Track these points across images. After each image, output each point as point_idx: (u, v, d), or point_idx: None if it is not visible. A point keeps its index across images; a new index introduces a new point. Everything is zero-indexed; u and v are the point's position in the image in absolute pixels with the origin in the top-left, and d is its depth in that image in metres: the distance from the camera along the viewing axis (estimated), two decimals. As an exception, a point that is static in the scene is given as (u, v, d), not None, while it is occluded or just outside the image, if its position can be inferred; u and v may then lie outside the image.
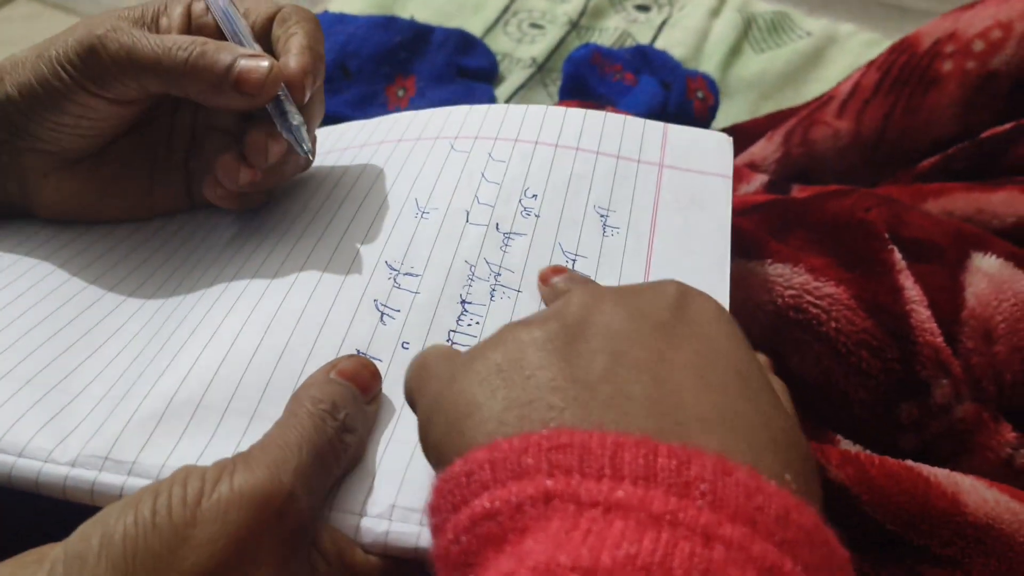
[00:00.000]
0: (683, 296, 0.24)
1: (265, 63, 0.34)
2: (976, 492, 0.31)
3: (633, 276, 0.35)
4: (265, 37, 0.37)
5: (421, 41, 0.77)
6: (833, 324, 0.36)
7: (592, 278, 0.35)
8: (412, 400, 0.27)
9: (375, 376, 0.30)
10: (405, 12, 0.82)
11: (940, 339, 0.35)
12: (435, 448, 0.23)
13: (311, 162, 0.40)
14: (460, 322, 0.33)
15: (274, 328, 0.32)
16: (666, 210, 0.37)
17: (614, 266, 0.35)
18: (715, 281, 0.35)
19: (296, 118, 0.35)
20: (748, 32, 0.80)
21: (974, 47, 0.55)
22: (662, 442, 0.18)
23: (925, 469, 0.32)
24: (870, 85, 0.58)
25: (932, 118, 0.55)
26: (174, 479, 0.24)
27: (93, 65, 0.34)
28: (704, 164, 0.40)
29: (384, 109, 0.74)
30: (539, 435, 0.19)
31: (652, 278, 0.35)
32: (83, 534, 0.23)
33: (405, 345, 0.32)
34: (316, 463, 0.26)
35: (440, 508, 0.20)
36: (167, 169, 0.40)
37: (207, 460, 0.28)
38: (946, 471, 0.32)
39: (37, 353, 0.32)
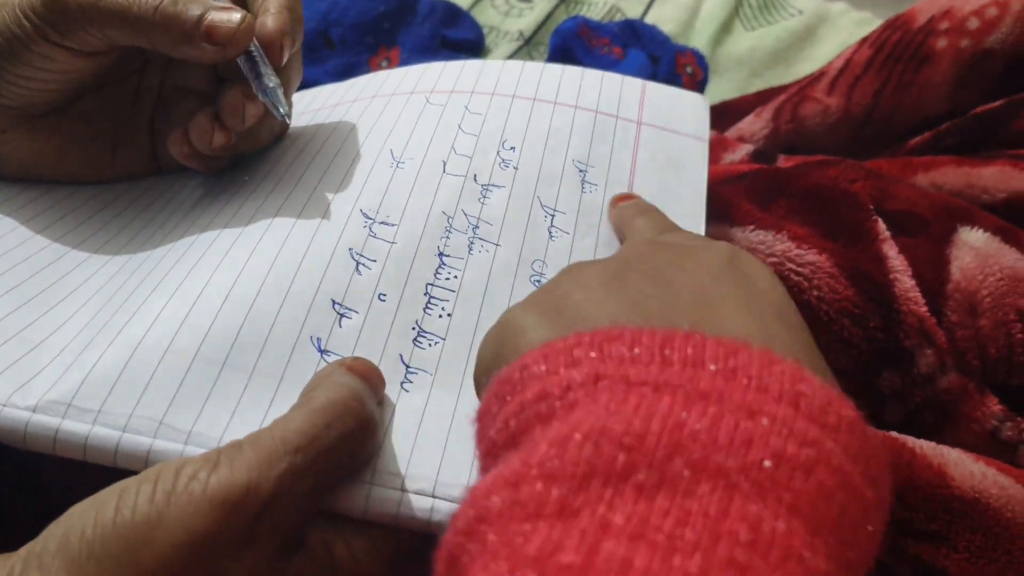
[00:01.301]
0: (733, 252, 0.27)
1: (237, 15, 0.33)
2: (962, 465, 0.30)
3: (610, 234, 0.34)
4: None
5: (406, 11, 0.75)
6: (815, 292, 0.34)
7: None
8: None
9: (382, 380, 0.29)
10: (390, -18, 0.80)
11: (924, 308, 0.34)
12: (486, 371, 0.24)
13: (287, 127, 0.39)
14: (438, 275, 0.32)
15: (244, 277, 0.31)
16: (643, 170, 0.37)
17: (592, 224, 0.34)
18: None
19: (272, 80, 0.34)
20: (739, 9, 0.79)
21: (969, 25, 0.54)
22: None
23: (910, 441, 0.31)
24: (862, 61, 0.57)
25: (924, 95, 0.54)
26: (146, 475, 0.23)
27: (56, 11, 0.32)
28: (682, 124, 0.40)
29: (366, 79, 0.72)
30: (591, 332, 0.20)
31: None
32: (46, 535, 0.22)
33: (382, 297, 0.31)
34: (316, 462, 0.24)
35: (489, 408, 0.21)
36: (132, 130, 0.39)
37: (176, 409, 0.26)
38: (932, 444, 0.31)
39: None
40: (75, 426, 0.26)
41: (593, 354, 0.19)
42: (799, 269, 0.35)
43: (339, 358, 0.29)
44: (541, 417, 0.19)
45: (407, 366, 0.29)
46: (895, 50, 0.56)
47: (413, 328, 0.30)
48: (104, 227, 0.37)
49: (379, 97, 0.41)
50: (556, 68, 0.41)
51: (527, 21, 0.78)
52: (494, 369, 0.22)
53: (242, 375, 0.28)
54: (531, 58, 0.76)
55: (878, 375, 0.34)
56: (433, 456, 0.27)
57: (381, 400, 0.28)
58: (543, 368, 0.19)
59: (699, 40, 0.75)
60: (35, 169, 0.38)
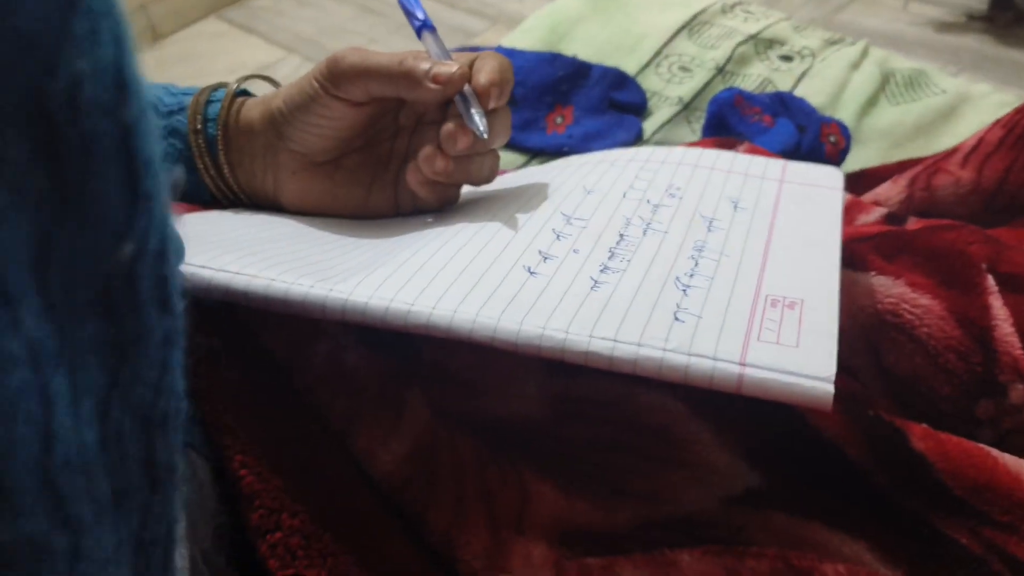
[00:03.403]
0: None
1: (454, 66, 0.45)
2: (1036, 474, 0.37)
3: (759, 233, 0.43)
4: (468, 72, 0.48)
5: (580, 76, 0.87)
6: (925, 329, 0.42)
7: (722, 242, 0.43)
8: None
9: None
10: (569, 50, 0.92)
11: (1020, 351, 0.41)
12: None
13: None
14: (619, 245, 0.42)
15: (479, 236, 0.43)
16: (786, 203, 0.46)
17: (743, 231, 0.43)
18: (829, 248, 0.42)
19: (479, 112, 0.44)
20: (885, 86, 0.85)
21: (1098, 110, 0.59)
22: None
23: (994, 451, 0.38)
24: (994, 140, 0.63)
25: (1052, 174, 0.60)
26: None
27: (334, 72, 0.45)
28: (817, 181, 0.48)
29: (543, 133, 0.84)
30: None
31: (775, 242, 0.43)
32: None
33: (576, 251, 0.41)
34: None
35: None
36: (383, 183, 0.51)
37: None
38: (1015, 458, 0.38)
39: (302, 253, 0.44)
40: (359, 298, 0.37)
41: None
42: (913, 309, 0.43)
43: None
44: None
45: (595, 281, 0.39)
46: (1026, 132, 0.62)
47: (600, 266, 0.40)
48: (367, 232, 0.49)
49: (569, 167, 0.53)
50: (711, 151, 0.52)
51: (686, 88, 0.87)
52: None
53: (468, 279, 0.39)
54: (688, 121, 0.85)
55: (975, 403, 0.41)
56: (614, 320, 0.36)
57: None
58: None
59: (845, 112, 0.83)
60: (308, 205, 0.51)
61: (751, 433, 0.40)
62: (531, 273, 0.39)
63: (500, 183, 0.54)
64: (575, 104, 0.85)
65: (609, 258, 0.41)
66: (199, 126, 0.50)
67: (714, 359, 0.34)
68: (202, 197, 0.52)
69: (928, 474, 0.37)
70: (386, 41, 1.88)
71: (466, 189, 0.51)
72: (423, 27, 0.49)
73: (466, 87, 0.45)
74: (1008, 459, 0.38)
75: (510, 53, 0.90)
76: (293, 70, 1.84)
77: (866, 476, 0.38)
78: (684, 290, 0.38)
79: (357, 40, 0.51)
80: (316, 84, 0.46)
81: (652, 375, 0.34)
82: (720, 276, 0.39)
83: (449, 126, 0.45)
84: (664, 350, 0.34)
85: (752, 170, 0.50)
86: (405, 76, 0.45)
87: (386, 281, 0.39)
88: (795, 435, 0.39)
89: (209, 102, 0.50)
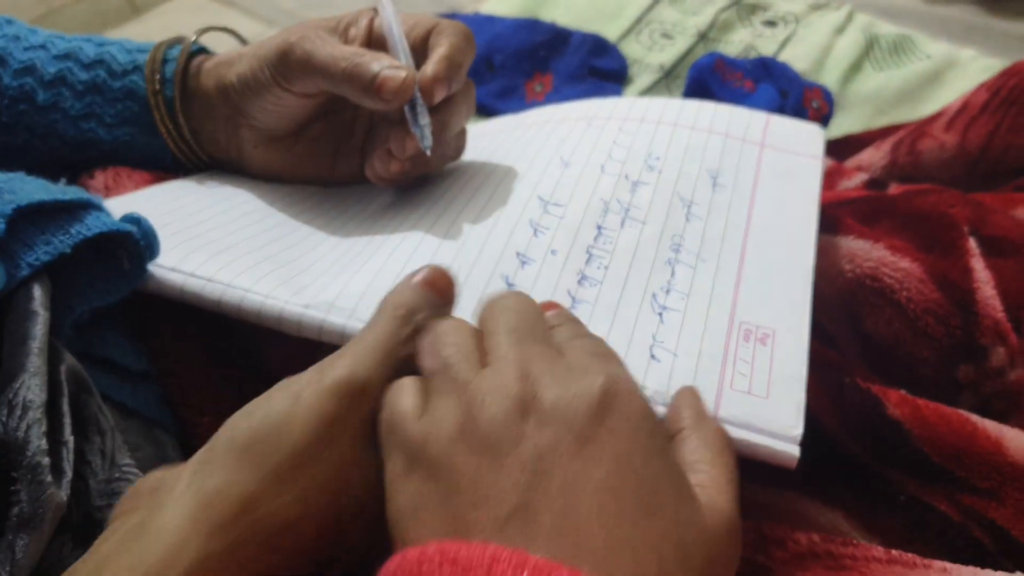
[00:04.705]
0: (607, 400, 0.26)
1: (402, 73, 0.41)
2: (1018, 439, 0.36)
3: (738, 224, 0.42)
4: (424, 46, 0.45)
5: (560, 42, 0.85)
6: (905, 293, 0.41)
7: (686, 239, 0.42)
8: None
9: (451, 283, 0.33)
10: (548, 16, 0.90)
11: (1001, 314, 0.40)
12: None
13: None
14: (596, 241, 0.41)
15: (451, 233, 0.41)
16: (765, 178, 0.44)
17: (721, 215, 0.42)
18: (804, 234, 0.41)
19: (423, 119, 0.42)
20: (870, 51, 0.84)
21: (1083, 73, 0.58)
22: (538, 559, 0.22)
23: (974, 416, 0.37)
24: (978, 104, 0.62)
25: (1035, 136, 0.59)
26: (276, 388, 0.29)
27: (283, 65, 0.43)
28: (798, 147, 0.47)
29: (522, 101, 0.82)
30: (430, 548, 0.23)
31: (753, 230, 0.42)
32: (217, 435, 0.29)
33: (553, 252, 0.40)
34: (391, 358, 0.30)
35: None
36: (347, 151, 0.49)
37: None
38: (995, 422, 0.37)
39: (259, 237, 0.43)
40: (336, 319, 0.37)
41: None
42: (892, 273, 0.42)
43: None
44: None
45: (573, 298, 0.38)
46: (1011, 94, 0.60)
47: (577, 274, 0.39)
48: (334, 207, 0.48)
49: (551, 122, 0.50)
50: (693, 103, 0.50)
51: (668, 55, 0.85)
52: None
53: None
54: (669, 89, 0.83)
55: (955, 367, 0.40)
56: None
57: (449, 302, 0.33)
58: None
59: (829, 78, 0.81)
60: (274, 175, 0.49)
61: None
62: (509, 285, 0.39)
63: (477, 137, 0.53)
64: (554, 71, 0.83)
65: (587, 262, 0.40)
66: (158, 87, 0.47)
67: None
68: (164, 161, 0.50)
69: (905, 441, 0.36)
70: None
71: None
72: None
73: (416, 89, 0.42)
74: (988, 424, 0.37)
75: (489, 20, 0.88)
76: (274, 43, 1.81)
77: (842, 445, 0.37)
78: (660, 314, 0.38)
79: (340, 8, 0.48)
80: (268, 73, 0.44)
81: None
82: (696, 292, 0.39)
83: (396, 132, 0.43)
84: None
85: (733, 129, 0.48)
86: (349, 80, 0.42)
87: (361, 300, 0.37)
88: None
89: (166, 60, 0.48)
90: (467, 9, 1.01)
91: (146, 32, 1.66)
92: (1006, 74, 0.62)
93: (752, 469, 0.37)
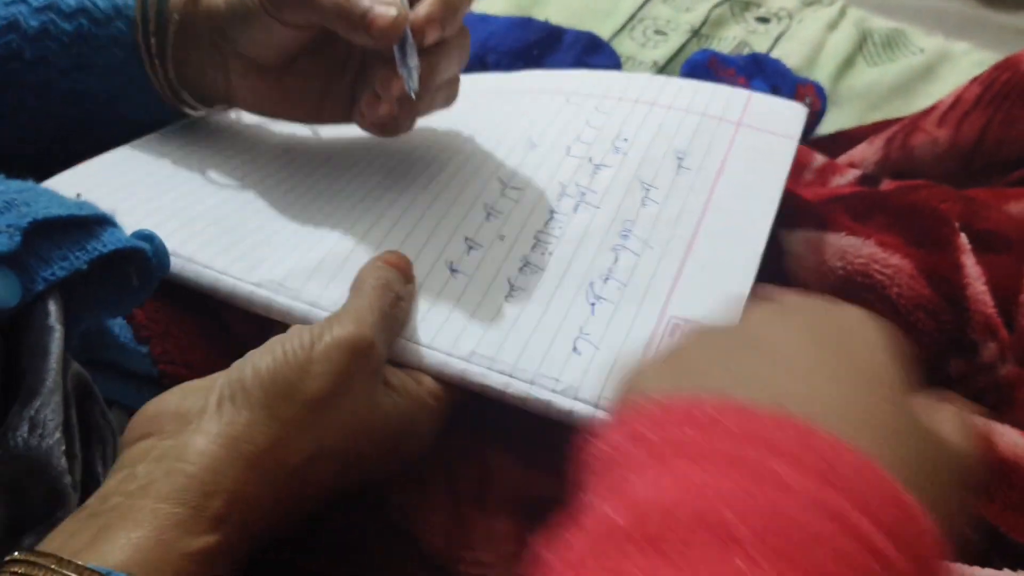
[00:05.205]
0: (852, 322, 0.28)
1: (393, 11, 0.40)
2: (1008, 436, 0.36)
3: (694, 208, 0.42)
4: None
5: (554, 40, 0.85)
6: (895, 289, 0.41)
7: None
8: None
9: (409, 264, 0.39)
10: (541, 14, 0.90)
11: (992, 309, 0.40)
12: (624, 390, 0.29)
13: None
14: (547, 226, 0.42)
15: (406, 215, 0.42)
16: (734, 159, 0.45)
17: (679, 197, 0.43)
18: (759, 216, 0.42)
19: (412, 61, 0.41)
20: (863, 46, 0.84)
21: (1075, 68, 0.58)
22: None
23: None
24: (971, 98, 0.62)
25: (1028, 130, 0.59)
26: (291, 333, 0.33)
27: None
28: (776, 126, 0.47)
29: (515, 100, 0.82)
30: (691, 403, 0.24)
31: (710, 211, 0.42)
32: (237, 368, 0.33)
33: (502, 237, 0.41)
34: (383, 321, 0.35)
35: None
36: (338, 88, 0.48)
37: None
38: (983, 418, 0.37)
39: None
40: (283, 300, 0.39)
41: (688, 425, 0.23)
42: (883, 270, 0.42)
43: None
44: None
45: (512, 285, 0.40)
46: (1003, 88, 0.60)
47: (521, 260, 0.40)
48: (300, 173, 0.49)
49: (532, 92, 0.51)
50: (677, 80, 0.50)
51: (661, 52, 0.85)
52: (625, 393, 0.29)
53: None
54: (663, 85, 0.83)
55: (947, 361, 0.40)
56: (518, 345, 0.37)
57: (411, 280, 0.39)
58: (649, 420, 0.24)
59: (821, 74, 0.81)
60: (261, 108, 0.49)
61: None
62: (452, 271, 0.40)
63: (462, 96, 0.53)
64: (548, 69, 0.83)
65: (533, 247, 0.41)
66: (152, 27, 0.46)
67: (596, 407, 0.35)
68: (161, 114, 0.49)
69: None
70: None
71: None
72: None
73: (407, 28, 0.41)
74: (978, 420, 0.37)
75: (483, 19, 0.88)
76: None
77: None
78: (593, 304, 0.39)
79: None
80: (257, 0, 0.43)
81: (540, 414, 0.36)
82: (633, 282, 0.39)
83: (382, 73, 0.42)
84: (553, 392, 0.36)
85: (712, 108, 0.48)
86: (338, 14, 0.40)
87: (307, 282, 0.40)
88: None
89: None
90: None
91: None
92: (998, 68, 0.62)
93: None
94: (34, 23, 0.46)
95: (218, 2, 0.45)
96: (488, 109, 0.51)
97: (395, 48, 0.41)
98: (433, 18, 0.40)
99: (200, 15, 0.46)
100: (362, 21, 0.40)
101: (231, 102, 0.49)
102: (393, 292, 0.37)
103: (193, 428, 0.30)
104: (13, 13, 0.46)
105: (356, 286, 0.37)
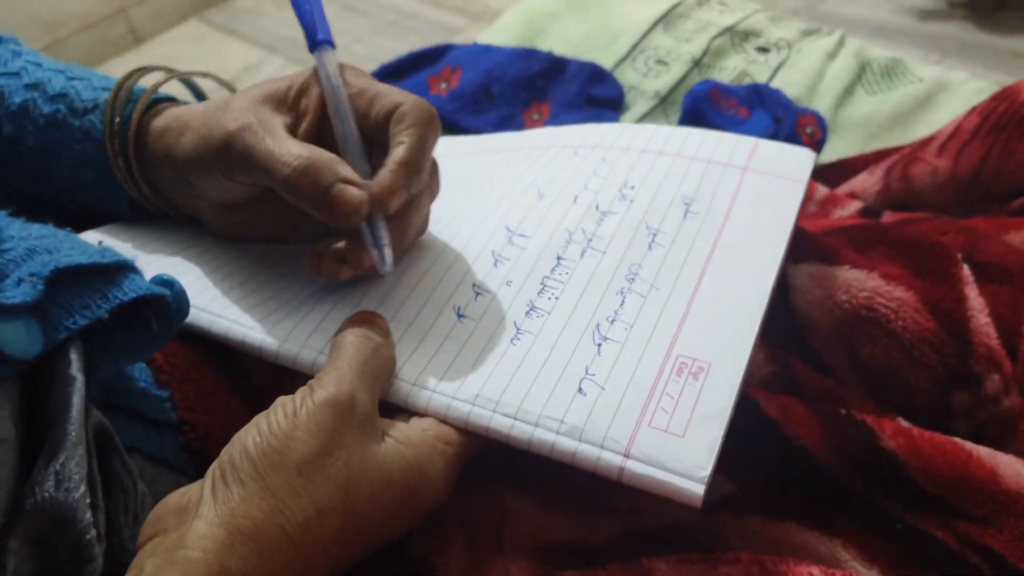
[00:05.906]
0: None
1: (358, 194, 0.37)
2: (1012, 467, 0.37)
3: (702, 250, 0.43)
4: (383, 129, 0.40)
5: (557, 71, 0.86)
6: (900, 323, 0.42)
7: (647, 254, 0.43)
8: None
9: (383, 320, 0.39)
10: (545, 45, 0.91)
11: (995, 341, 0.41)
12: None
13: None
14: (554, 272, 0.42)
15: (416, 265, 0.43)
16: (741, 203, 0.45)
17: (687, 241, 0.43)
18: (768, 257, 0.42)
19: (383, 238, 0.39)
20: (862, 75, 0.85)
21: (1073, 98, 0.59)
22: None
23: (968, 444, 0.37)
24: (970, 128, 0.63)
25: (1026, 161, 0.60)
26: (275, 406, 0.34)
27: (225, 157, 0.40)
28: (783, 170, 0.47)
29: (520, 130, 0.83)
30: None
31: (718, 253, 0.43)
32: (227, 450, 0.33)
33: (509, 283, 0.42)
34: (365, 374, 0.36)
35: None
36: (305, 219, 0.46)
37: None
38: (988, 449, 0.38)
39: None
40: (289, 347, 0.40)
41: None
42: (887, 303, 0.42)
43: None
44: None
45: (518, 329, 0.40)
46: (1001, 119, 0.61)
47: (527, 305, 0.41)
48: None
49: (538, 148, 0.52)
50: (684, 130, 0.51)
51: (663, 82, 0.87)
52: None
53: (402, 325, 0.41)
54: (665, 115, 0.84)
55: (950, 395, 0.41)
56: (522, 387, 0.38)
57: (386, 334, 0.39)
58: None
59: (821, 103, 0.82)
60: (235, 236, 0.48)
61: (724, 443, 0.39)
62: (459, 317, 0.41)
63: (474, 155, 0.54)
64: (552, 100, 0.85)
65: (539, 292, 0.42)
66: (116, 129, 0.45)
67: (601, 447, 0.35)
68: (125, 210, 0.48)
69: (900, 472, 0.37)
70: (369, 40, 1.87)
71: None
72: (321, 44, 0.42)
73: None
74: (983, 451, 0.37)
75: (487, 50, 0.90)
76: (276, 70, 1.83)
77: (838, 476, 0.38)
78: (599, 344, 0.39)
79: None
80: (210, 160, 0.41)
81: (544, 455, 0.36)
82: (640, 322, 0.40)
83: (352, 246, 0.40)
84: (557, 433, 0.36)
85: (718, 155, 0.48)
86: (295, 189, 0.38)
87: (316, 330, 0.41)
88: (766, 443, 0.39)
89: (130, 100, 0.45)
90: (467, 41, 1.02)
91: (145, 61, 1.68)
92: (996, 98, 0.63)
93: (754, 501, 0.37)
94: (17, 99, 0.46)
95: (177, 152, 0.43)
96: (496, 163, 0.52)
97: (362, 226, 0.39)
98: (395, 188, 0.38)
99: (162, 157, 0.44)
100: (325, 199, 0.38)
101: (204, 226, 0.48)
102: (373, 342, 0.37)
103: (192, 517, 0.30)
104: (2, 85, 0.47)
105: (335, 345, 0.37)
